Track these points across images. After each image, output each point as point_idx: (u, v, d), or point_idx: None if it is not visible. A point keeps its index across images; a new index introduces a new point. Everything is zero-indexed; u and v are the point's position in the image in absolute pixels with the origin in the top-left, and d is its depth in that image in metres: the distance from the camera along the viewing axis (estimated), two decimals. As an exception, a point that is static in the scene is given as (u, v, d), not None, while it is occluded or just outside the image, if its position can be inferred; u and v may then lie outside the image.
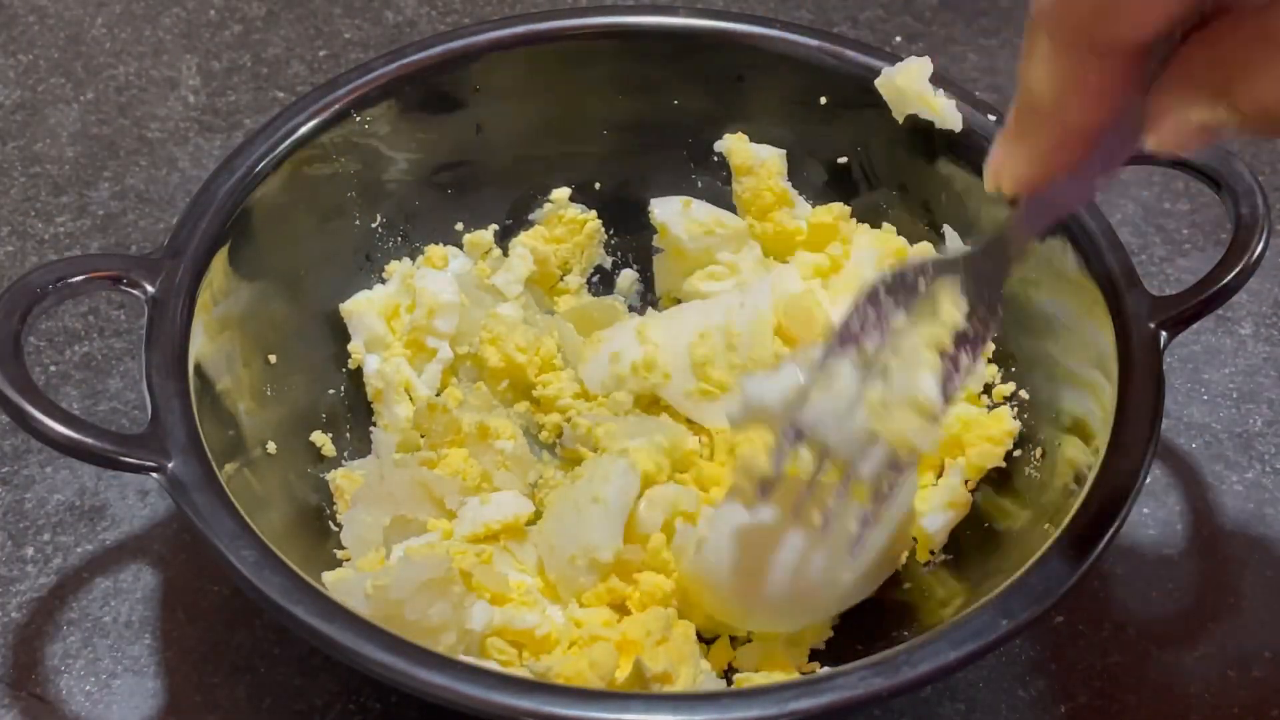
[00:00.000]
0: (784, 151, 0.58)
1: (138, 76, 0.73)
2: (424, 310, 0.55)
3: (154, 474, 0.44)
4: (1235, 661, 0.51)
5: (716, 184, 0.60)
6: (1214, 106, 0.33)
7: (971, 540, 0.51)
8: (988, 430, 0.52)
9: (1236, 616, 0.52)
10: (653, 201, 0.59)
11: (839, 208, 0.58)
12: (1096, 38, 0.34)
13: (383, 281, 0.58)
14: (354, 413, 0.56)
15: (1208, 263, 0.49)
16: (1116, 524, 0.43)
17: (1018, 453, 0.52)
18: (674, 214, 0.58)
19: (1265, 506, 0.56)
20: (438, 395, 0.56)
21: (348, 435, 0.55)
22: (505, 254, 0.60)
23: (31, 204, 0.66)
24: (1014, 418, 0.52)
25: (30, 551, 0.54)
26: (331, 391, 0.56)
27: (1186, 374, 0.60)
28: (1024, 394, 0.53)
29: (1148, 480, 0.46)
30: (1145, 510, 0.55)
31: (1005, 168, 0.39)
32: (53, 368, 0.59)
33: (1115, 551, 0.54)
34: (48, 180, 0.67)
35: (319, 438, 0.54)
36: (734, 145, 0.58)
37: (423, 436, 0.53)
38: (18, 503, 0.55)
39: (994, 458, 0.52)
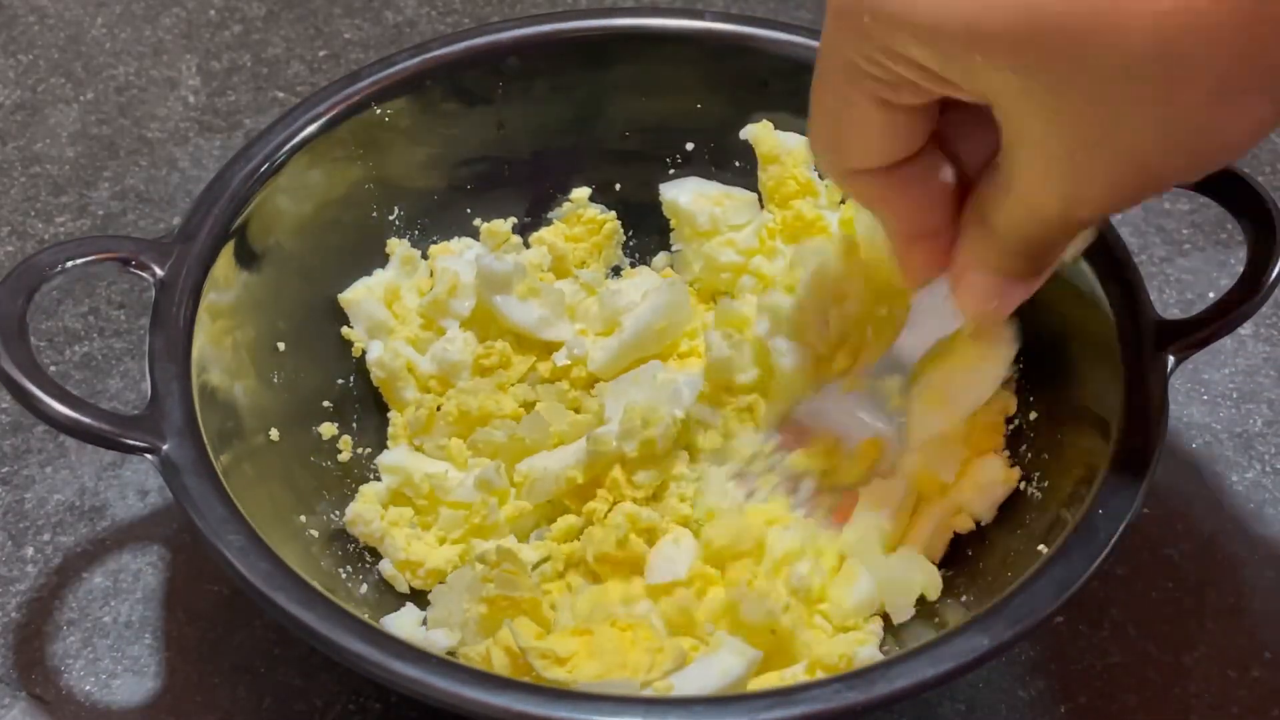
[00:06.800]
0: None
1: (138, 76, 0.73)
2: (445, 286, 0.55)
3: (148, 455, 0.44)
4: (1235, 661, 0.51)
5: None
6: (984, 236, 0.41)
7: (972, 557, 0.51)
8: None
9: (1236, 616, 0.52)
10: (661, 186, 0.59)
11: None
12: (850, 170, 0.42)
13: (382, 266, 0.57)
14: (363, 402, 0.56)
15: (1207, 263, 0.49)
16: (1105, 551, 0.43)
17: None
18: (681, 190, 0.58)
19: (1265, 506, 0.56)
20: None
21: (355, 425, 0.55)
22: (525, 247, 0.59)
23: (31, 204, 0.66)
24: (1023, 435, 0.52)
25: (30, 551, 0.54)
26: (340, 380, 0.55)
27: (1186, 374, 0.60)
28: (1032, 415, 0.53)
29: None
30: (1145, 510, 0.55)
31: (909, 272, 0.45)
32: (53, 368, 0.59)
33: (1115, 552, 0.54)
34: (48, 180, 0.67)
35: (326, 427, 0.54)
36: (761, 133, 0.57)
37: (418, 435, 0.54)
38: (18, 503, 0.55)
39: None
